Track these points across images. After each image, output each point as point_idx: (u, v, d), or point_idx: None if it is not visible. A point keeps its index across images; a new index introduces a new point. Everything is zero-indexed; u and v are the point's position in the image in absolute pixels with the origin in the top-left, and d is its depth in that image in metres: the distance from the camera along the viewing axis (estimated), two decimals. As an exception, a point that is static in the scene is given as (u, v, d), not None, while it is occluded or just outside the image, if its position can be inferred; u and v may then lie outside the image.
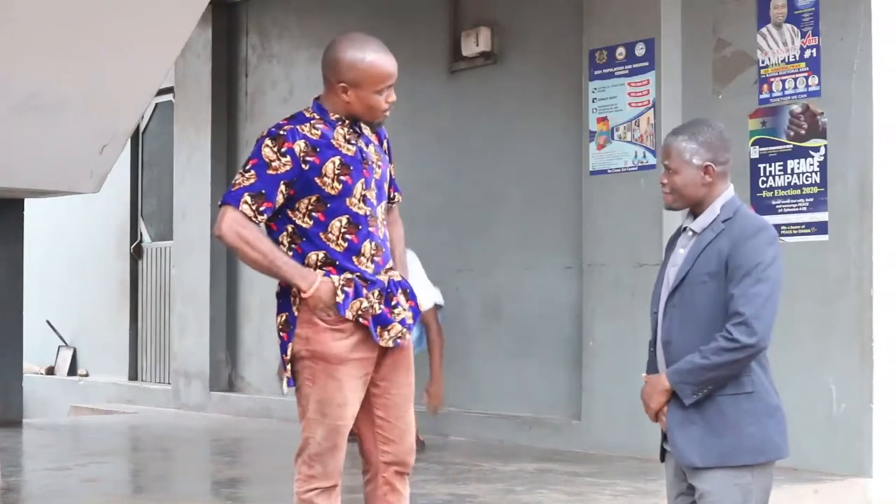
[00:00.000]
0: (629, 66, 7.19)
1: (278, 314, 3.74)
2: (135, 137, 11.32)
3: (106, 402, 11.18)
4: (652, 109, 7.09)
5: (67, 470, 6.90)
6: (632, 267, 7.11)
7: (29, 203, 9.17)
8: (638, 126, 7.14)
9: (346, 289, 3.63)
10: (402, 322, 3.76)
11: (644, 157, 7.10)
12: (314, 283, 3.61)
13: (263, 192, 3.59)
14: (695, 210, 3.65)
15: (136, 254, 11.67)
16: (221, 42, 10.45)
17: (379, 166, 3.79)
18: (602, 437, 7.21)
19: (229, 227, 3.60)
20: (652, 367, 3.69)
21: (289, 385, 3.78)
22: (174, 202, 10.73)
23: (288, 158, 3.61)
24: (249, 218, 3.60)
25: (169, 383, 10.85)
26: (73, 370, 12.23)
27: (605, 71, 7.32)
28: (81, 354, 12.26)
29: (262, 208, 3.61)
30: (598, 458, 6.95)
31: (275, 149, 3.61)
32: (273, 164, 3.60)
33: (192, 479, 6.98)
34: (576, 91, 7.56)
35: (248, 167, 3.63)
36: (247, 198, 3.59)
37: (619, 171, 7.23)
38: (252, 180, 3.60)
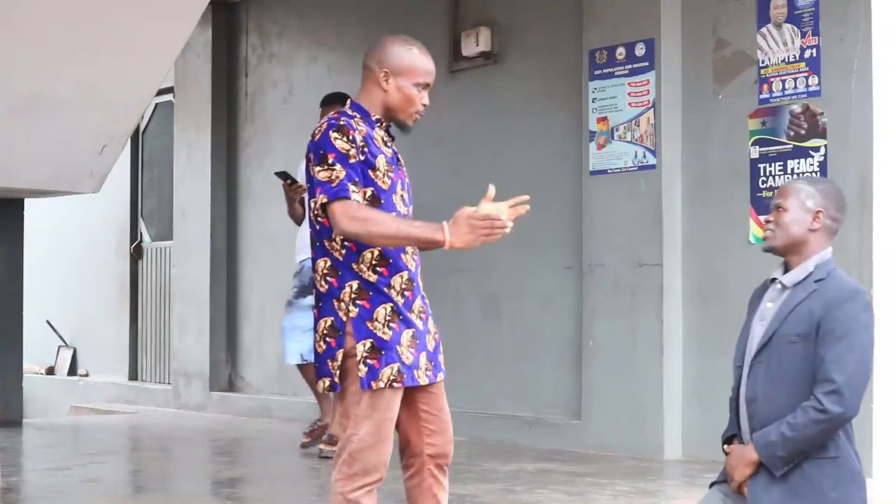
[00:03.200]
0: (629, 66, 7.19)
1: (322, 318, 3.72)
2: (135, 137, 11.32)
3: (106, 402, 11.18)
4: (652, 109, 7.09)
5: (67, 470, 6.90)
6: (632, 267, 7.11)
7: (29, 203, 9.17)
8: (638, 126, 7.14)
9: (391, 325, 3.67)
10: (426, 350, 3.80)
11: (644, 157, 7.10)
12: (444, 230, 3.62)
13: (356, 180, 3.63)
14: (788, 262, 3.63)
15: (136, 254, 11.67)
16: (221, 42, 10.45)
17: (405, 171, 3.89)
18: (602, 437, 7.21)
19: (348, 220, 3.58)
20: (733, 425, 3.67)
21: (335, 390, 3.74)
22: (174, 202, 10.73)
23: (354, 147, 3.64)
24: (361, 204, 3.62)
25: (169, 383, 10.85)
26: (73, 370, 12.23)
27: (605, 71, 7.32)
28: (81, 354, 12.26)
29: (361, 196, 3.64)
30: (598, 458, 6.95)
31: (343, 139, 3.63)
32: (350, 152, 3.63)
33: (192, 479, 6.98)
34: (576, 91, 7.56)
35: (330, 161, 3.62)
36: (352, 187, 3.61)
37: (619, 171, 7.23)
38: (344, 171, 3.61)
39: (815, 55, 6.46)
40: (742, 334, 3.69)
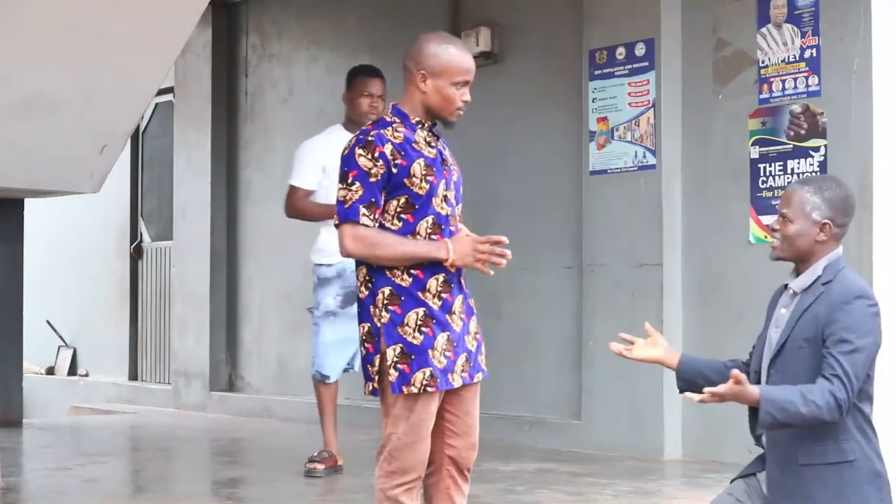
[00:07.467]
0: (629, 66, 7.19)
1: (361, 324, 3.79)
2: (135, 137, 11.32)
3: (106, 402, 11.18)
4: (652, 109, 7.09)
5: (67, 470, 6.90)
6: (632, 267, 7.11)
7: (29, 203, 9.17)
8: (638, 126, 7.14)
9: (423, 329, 3.71)
10: (467, 352, 3.84)
11: (644, 157, 7.10)
12: (448, 248, 3.72)
13: (373, 200, 3.69)
14: (798, 267, 3.59)
15: (136, 254, 11.67)
16: (221, 42, 10.45)
17: (455, 169, 3.92)
18: (602, 437, 7.21)
19: (353, 242, 3.70)
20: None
21: (374, 395, 3.80)
22: (174, 202, 10.73)
23: (381, 162, 3.69)
24: (369, 228, 3.70)
25: (169, 383, 10.85)
26: (73, 370, 12.23)
27: (605, 71, 7.32)
28: (81, 354, 12.26)
29: (375, 216, 3.70)
30: (598, 458, 6.95)
31: (368, 156, 3.69)
32: (372, 171, 3.69)
33: (192, 479, 6.98)
34: (576, 91, 7.56)
35: (350, 180, 3.70)
36: (363, 210, 3.68)
37: (619, 171, 7.23)
38: (360, 192, 3.69)
39: (815, 55, 6.46)
40: (759, 340, 3.65)
